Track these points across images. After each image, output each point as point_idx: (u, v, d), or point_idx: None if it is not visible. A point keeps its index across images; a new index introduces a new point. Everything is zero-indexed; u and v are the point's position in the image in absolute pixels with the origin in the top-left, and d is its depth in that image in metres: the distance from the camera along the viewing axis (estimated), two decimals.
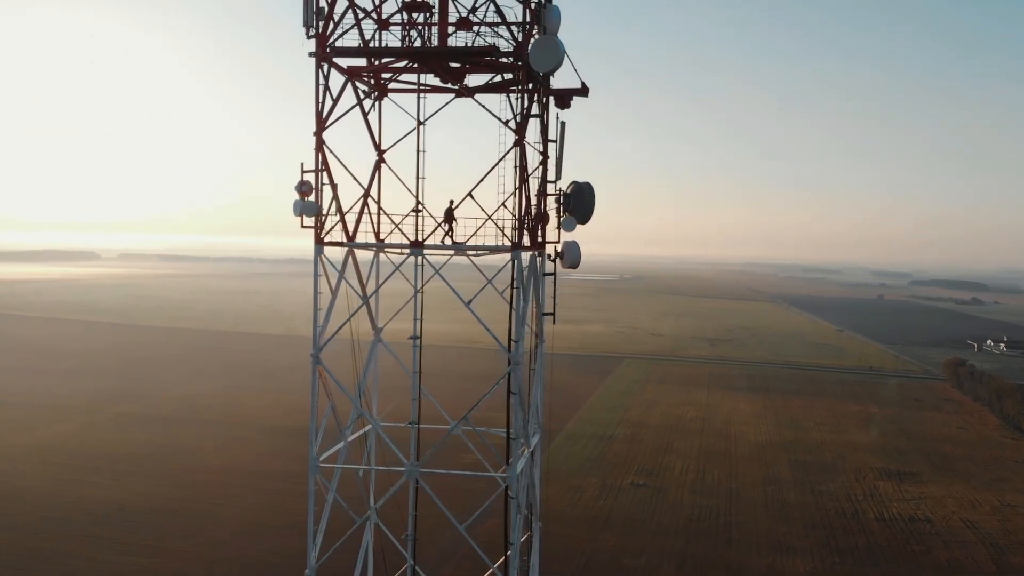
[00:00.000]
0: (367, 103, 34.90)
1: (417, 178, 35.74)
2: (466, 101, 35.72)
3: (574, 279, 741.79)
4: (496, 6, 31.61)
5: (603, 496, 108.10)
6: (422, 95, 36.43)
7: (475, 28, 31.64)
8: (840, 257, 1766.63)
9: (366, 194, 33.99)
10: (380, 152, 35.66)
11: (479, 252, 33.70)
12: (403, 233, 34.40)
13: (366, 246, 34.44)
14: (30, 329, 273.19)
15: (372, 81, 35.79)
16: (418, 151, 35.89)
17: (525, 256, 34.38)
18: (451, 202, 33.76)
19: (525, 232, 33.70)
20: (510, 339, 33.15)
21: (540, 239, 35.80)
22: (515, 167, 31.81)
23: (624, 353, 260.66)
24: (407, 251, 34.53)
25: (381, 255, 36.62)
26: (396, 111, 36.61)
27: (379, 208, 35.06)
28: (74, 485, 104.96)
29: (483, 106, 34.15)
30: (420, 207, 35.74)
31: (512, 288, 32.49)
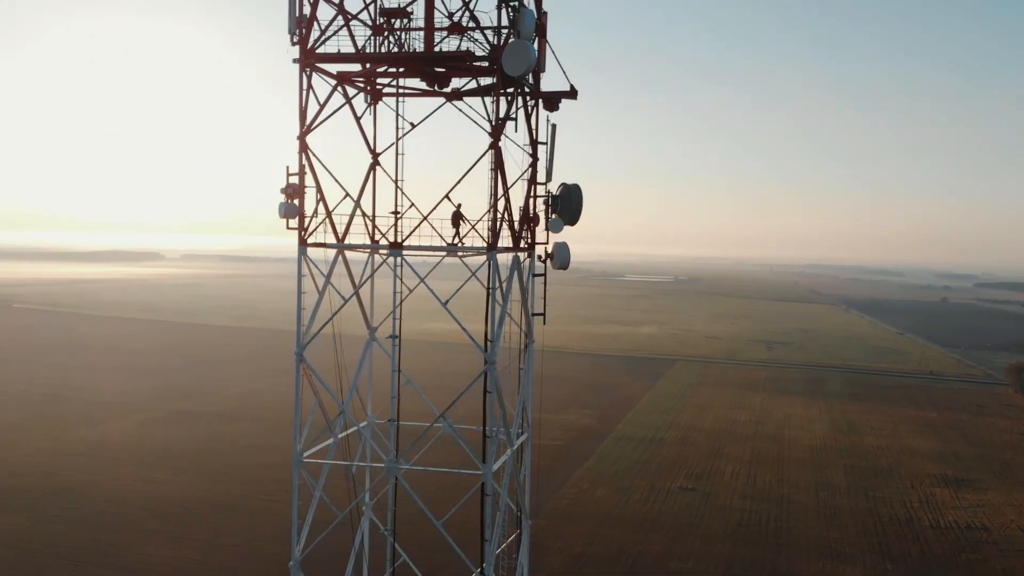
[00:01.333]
0: (360, 107, 35.79)
1: (396, 180, 36.03)
2: (460, 105, 36.14)
3: (628, 281, 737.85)
4: (471, 12, 32.09)
5: (651, 499, 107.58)
6: (414, 99, 36.99)
7: (462, 33, 32.14)
8: (903, 259, 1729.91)
9: (358, 198, 34.67)
10: (375, 155, 36.25)
11: (455, 254, 34.22)
12: (383, 234, 34.92)
13: (346, 247, 34.91)
14: (95, 327, 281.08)
15: (366, 86, 36.38)
16: (397, 154, 36.27)
17: (507, 257, 34.79)
18: (459, 205, 34.19)
19: (520, 234, 34.27)
20: (486, 339, 33.36)
21: (529, 240, 36.29)
22: (491, 169, 32.12)
23: (677, 355, 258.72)
24: (386, 252, 35.18)
25: (375, 256, 37.16)
26: (386, 115, 37.27)
27: (361, 210, 35.44)
28: (132, 480, 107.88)
29: (461, 111, 34.92)
30: (399, 210, 36.09)
31: (488, 289, 32.83)
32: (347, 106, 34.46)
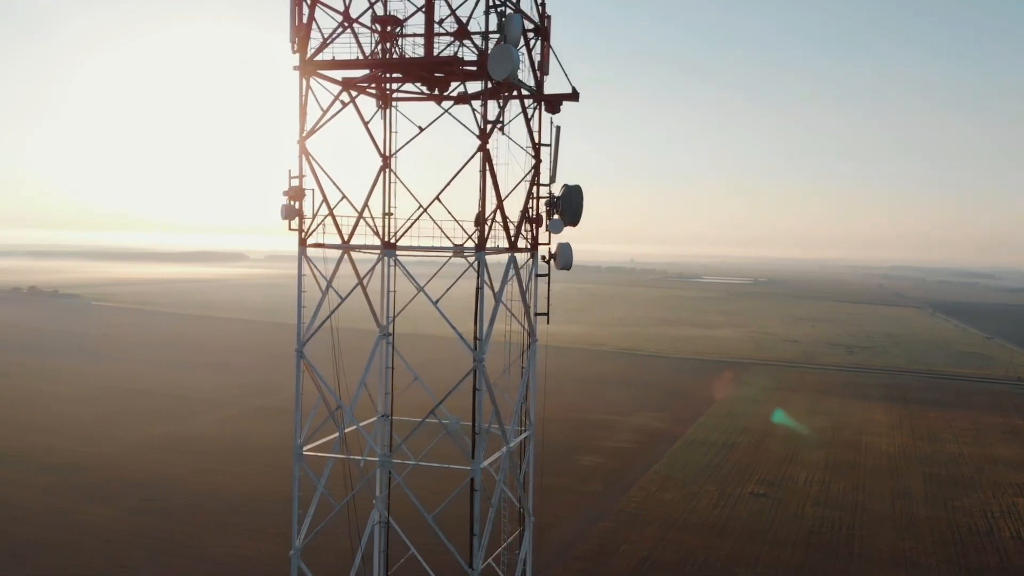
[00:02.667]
0: (369, 112, 36.74)
1: (387, 183, 36.90)
2: (455, 110, 36.89)
3: (705, 282, 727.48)
4: (456, 18, 33.04)
5: (720, 504, 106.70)
6: (421, 103, 37.88)
7: (463, 39, 32.85)
8: (994, 261, 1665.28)
9: (367, 199, 35.61)
10: (385, 158, 37.23)
11: (443, 254, 35.02)
12: (377, 234, 35.71)
13: (342, 247, 35.99)
14: (183, 325, 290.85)
15: (376, 91, 37.32)
16: (388, 155, 37.19)
17: (522, 258, 35.84)
18: (483, 208, 34.91)
19: (518, 234, 35.03)
20: (475, 337, 34.06)
21: (531, 241, 37.20)
22: (480, 172, 32.88)
23: (754, 359, 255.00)
24: (378, 252, 36.44)
25: (383, 256, 37.94)
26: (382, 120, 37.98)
27: (357, 210, 36.14)
28: (213, 474, 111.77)
29: (453, 116, 35.60)
30: (391, 210, 36.83)
31: (477, 288, 33.50)
32: (347, 110, 35.51)
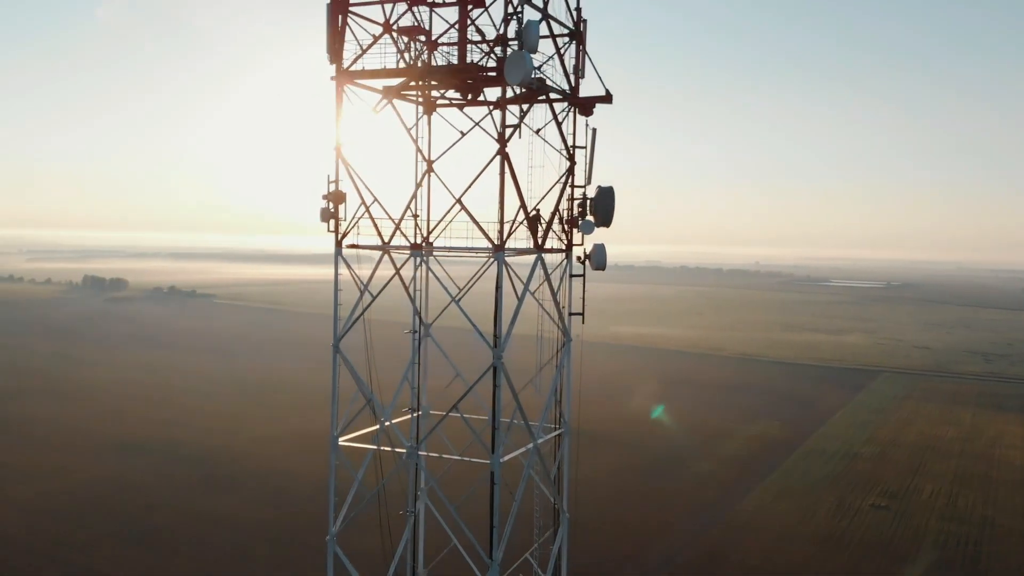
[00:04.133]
0: (411, 119, 38.24)
1: (416, 186, 37.54)
2: (471, 111, 37.82)
3: (833, 286, 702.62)
4: (476, 28, 33.99)
5: (838, 515, 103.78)
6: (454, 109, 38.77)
7: (503, 46, 33.44)
8: None
9: (409, 201, 36.81)
10: (429, 163, 38.10)
11: (465, 254, 35.81)
12: (404, 235, 36.43)
13: (373, 248, 36.95)
14: (311, 325, 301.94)
15: (421, 97, 38.44)
16: (416, 161, 38.04)
17: (556, 257, 36.10)
18: (537, 210, 35.64)
19: (545, 235, 35.85)
20: (495, 336, 34.67)
21: (567, 242, 37.69)
22: (500, 175, 33.40)
23: (882, 366, 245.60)
24: (408, 252, 37.22)
25: (430, 258, 38.78)
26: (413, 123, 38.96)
27: (387, 214, 37.02)
28: (337, 468, 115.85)
29: (471, 118, 36.58)
30: (419, 212, 37.47)
31: (497, 288, 34.13)
32: (380, 117, 36.72)
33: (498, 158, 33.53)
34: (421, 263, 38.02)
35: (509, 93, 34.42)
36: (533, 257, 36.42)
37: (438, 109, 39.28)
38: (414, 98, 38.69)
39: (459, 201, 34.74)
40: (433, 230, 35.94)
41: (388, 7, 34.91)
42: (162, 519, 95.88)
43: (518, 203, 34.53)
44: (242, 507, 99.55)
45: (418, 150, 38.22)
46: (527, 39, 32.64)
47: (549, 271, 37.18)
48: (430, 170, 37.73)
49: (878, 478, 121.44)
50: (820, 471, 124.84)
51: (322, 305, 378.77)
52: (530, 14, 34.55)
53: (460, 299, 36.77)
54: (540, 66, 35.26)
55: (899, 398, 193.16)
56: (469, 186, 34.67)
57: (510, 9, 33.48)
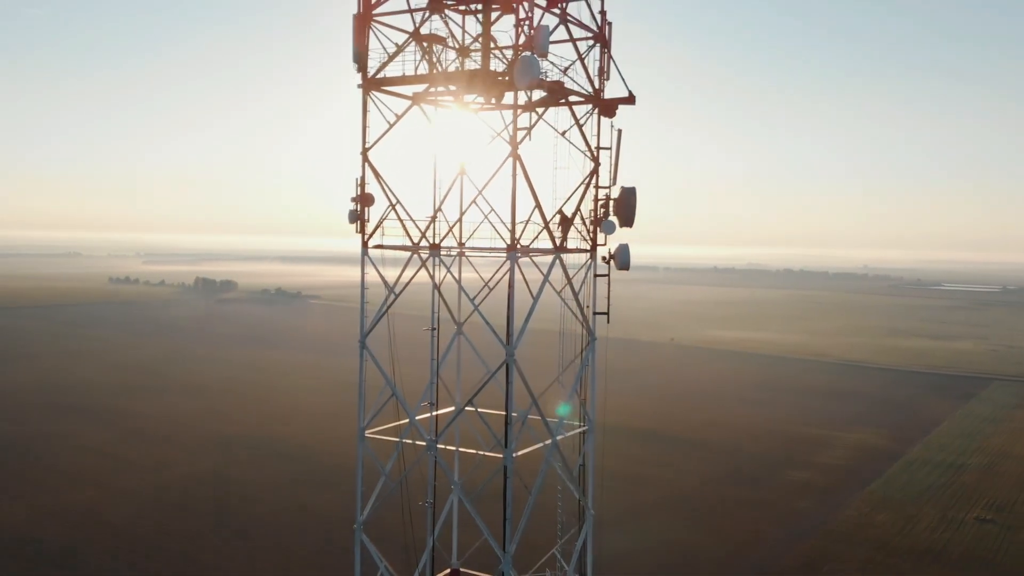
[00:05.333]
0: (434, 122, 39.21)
1: (435, 186, 38.10)
2: (485, 116, 38.58)
3: (945, 290, 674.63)
4: (490, 35, 34.46)
5: (940, 528, 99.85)
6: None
7: (536, 51, 33.63)
8: None
9: (440, 204, 37.38)
10: (463, 166, 38.45)
11: (481, 253, 36.74)
12: (425, 236, 37.02)
13: (394, 247, 37.86)
14: (406, 326, 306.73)
15: (455, 102, 38.94)
16: (435, 164, 38.68)
17: (579, 258, 36.70)
18: (562, 212, 36.37)
19: (564, 236, 36.41)
20: (508, 334, 34.93)
21: (592, 242, 37.85)
22: (512, 177, 33.82)
23: (994, 374, 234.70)
24: (427, 252, 37.83)
25: (463, 258, 39.72)
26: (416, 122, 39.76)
27: (404, 215, 37.79)
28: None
29: (485, 122, 37.26)
30: (434, 214, 37.75)
31: (510, 287, 34.52)
32: (403, 122, 37.61)
33: (511, 160, 34.11)
34: (440, 263, 38.77)
35: (524, 97, 35.16)
36: (578, 257, 37.43)
37: (469, 112, 40.19)
38: (446, 103, 39.46)
39: (475, 202, 35.69)
40: (449, 231, 36.93)
41: (411, 16, 35.84)
42: (261, 512, 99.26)
43: (536, 205, 35.22)
44: (338, 503, 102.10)
45: (447, 154, 39.27)
46: (538, 44, 33.20)
47: (576, 271, 37.83)
48: (462, 172, 38.49)
49: (985, 490, 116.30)
50: (923, 482, 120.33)
51: (420, 307, 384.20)
52: (554, 20, 35.34)
53: (483, 299, 37.94)
54: (566, 69, 35.75)
55: (1011, 407, 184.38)
56: (483, 188, 35.52)
57: (522, 14, 34.08)
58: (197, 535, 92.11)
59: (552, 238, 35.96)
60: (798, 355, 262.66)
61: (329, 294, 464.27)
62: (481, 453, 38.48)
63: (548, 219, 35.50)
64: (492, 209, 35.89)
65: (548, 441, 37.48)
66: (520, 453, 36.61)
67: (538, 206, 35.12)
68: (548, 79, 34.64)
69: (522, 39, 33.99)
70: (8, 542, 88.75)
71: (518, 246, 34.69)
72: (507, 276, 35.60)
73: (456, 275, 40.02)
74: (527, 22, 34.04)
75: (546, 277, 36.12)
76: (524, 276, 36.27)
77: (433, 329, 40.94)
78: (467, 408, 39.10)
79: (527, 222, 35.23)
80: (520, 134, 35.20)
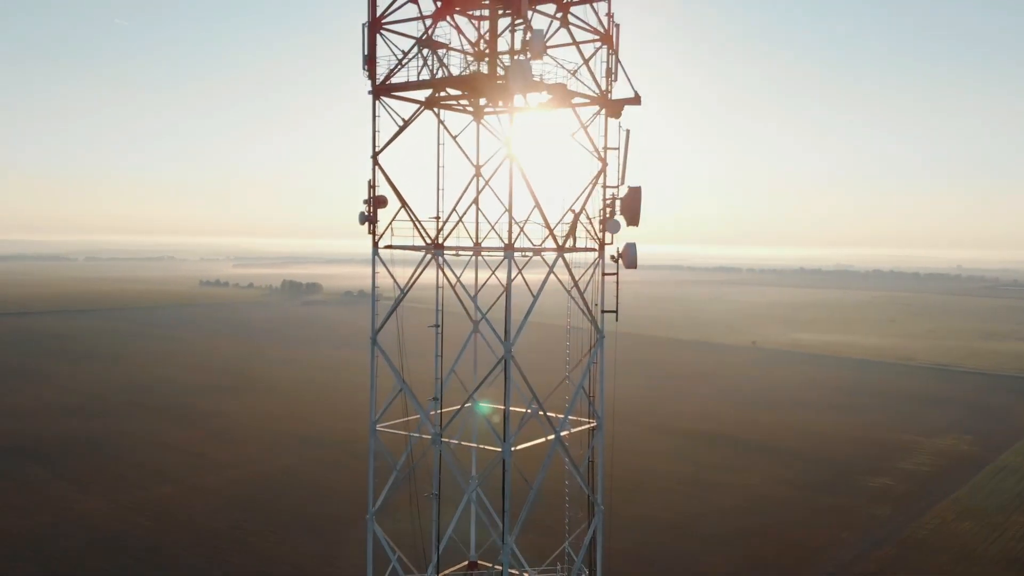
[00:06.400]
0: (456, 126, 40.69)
1: (438, 189, 39.08)
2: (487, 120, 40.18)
3: None
4: (487, 41, 35.81)
5: None
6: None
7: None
8: None
9: (455, 204, 38.23)
10: (477, 167, 39.29)
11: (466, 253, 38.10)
12: (429, 236, 38.09)
13: (402, 247, 39.09)
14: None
15: (471, 106, 39.83)
16: (438, 166, 39.48)
17: (585, 256, 37.77)
18: (511, 211, 36.42)
19: (568, 236, 37.36)
20: (507, 331, 35.70)
21: (600, 241, 38.63)
22: (509, 179, 34.73)
23: None
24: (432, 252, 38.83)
25: (478, 257, 41.00)
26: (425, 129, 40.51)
27: (412, 215, 38.66)
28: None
29: (486, 126, 39.08)
30: (439, 214, 39.00)
31: (507, 286, 35.47)
32: (412, 127, 38.36)
33: (507, 162, 34.85)
34: (444, 262, 39.41)
35: (533, 99, 36.01)
36: (592, 256, 38.49)
37: (478, 116, 41.09)
38: (458, 107, 40.54)
39: (475, 202, 37.05)
40: (451, 231, 37.84)
41: (419, 23, 36.80)
42: (335, 510, 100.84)
43: (536, 205, 36.01)
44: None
45: (466, 156, 40.39)
46: (533, 48, 33.88)
47: (585, 270, 38.72)
48: (478, 174, 39.00)
49: None
50: (1012, 490, 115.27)
51: (499, 308, 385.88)
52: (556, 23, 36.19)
53: (496, 298, 39.10)
54: (575, 71, 36.60)
55: None
56: (481, 189, 36.88)
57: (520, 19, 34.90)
58: (273, 532, 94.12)
59: (554, 238, 36.55)
60: (886, 359, 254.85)
61: (412, 295, 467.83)
62: (482, 447, 39.24)
63: (548, 219, 36.19)
64: (506, 209, 36.27)
65: (551, 436, 37.95)
66: (519, 448, 37.19)
67: (538, 206, 35.81)
68: (549, 82, 35.42)
69: (519, 43, 34.80)
70: (94, 535, 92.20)
71: (515, 246, 35.60)
72: (516, 275, 36.78)
73: (473, 275, 41.00)
74: (523, 26, 34.80)
75: (547, 275, 36.86)
76: (525, 277, 37.59)
77: (437, 326, 41.55)
78: (473, 404, 40.25)
79: (525, 222, 36.19)
80: (523, 135, 36.17)
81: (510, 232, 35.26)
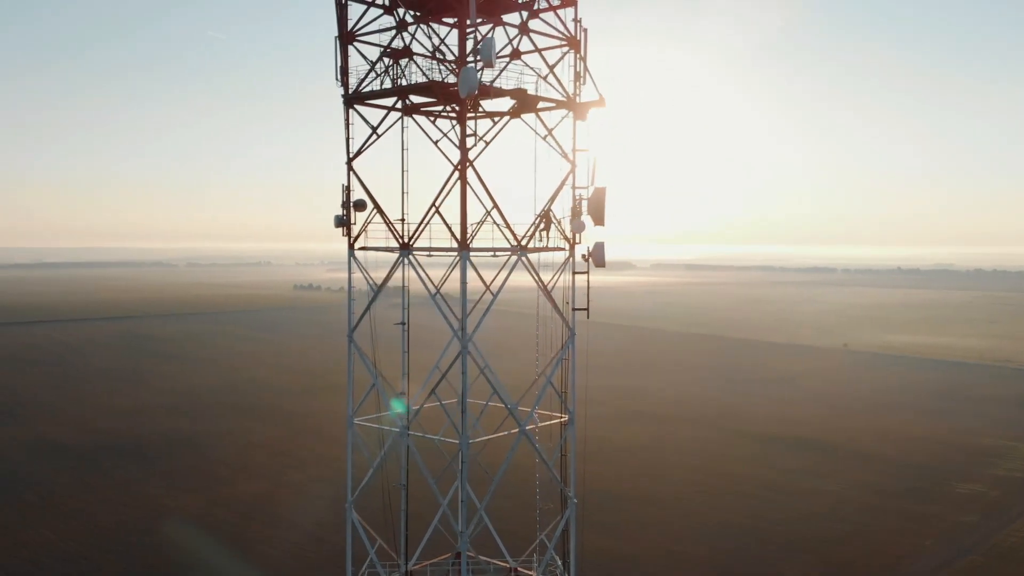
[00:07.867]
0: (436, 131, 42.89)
1: (403, 193, 40.96)
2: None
3: None
4: (439, 47, 38.44)
5: None
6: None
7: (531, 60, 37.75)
8: None
9: (438, 205, 39.51)
10: (463, 169, 39.96)
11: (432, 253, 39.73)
12: (398, 237, 39.86)
13: (375, 249, 40.75)
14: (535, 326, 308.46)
15: (456, 112, 41.15)
16: (403, 170, 41.25)
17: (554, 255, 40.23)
18: (548, 210, 39.16)
19: (529, 235, 39.48)
20: (463, 328, 38.32)
21: (570, 240, 40.51)
22: (460, 180, 37.08)
23: None
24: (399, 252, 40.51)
25: (469, 259, 41.17)
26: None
27: (384, 217, 40.34)
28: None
29: (420, 127, 41.61)
30: (405, 215, 40.67)
31: (462, 283, 37.92)
32: (388, 131, 40.65)
33: (462, 164, 37.10)
34: (409, 263, 40.88)
35: (502, 105, 38.66)
36: (560, 255, 40.93)
37: (447, 120, 42.90)
38: (434, 112, 42.52)
39: (434, 205, 38.63)
40: (418, 232, 39.78)
41: (387, 34, 38.89)
42: (414, 507, 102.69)
43: (494, 206, 38.41)
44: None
45: (447, 158, 41.75)
46: (484, 53, 35.32)
47: (556, 269, 41.10)
48: (463, 177, 40.28)
49: None
50: None
51: (545, 307, 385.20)
52: (538, 26, 38.59)
53: (480, 297, 41.68)
54: (545, 76, 38.42)
55: None
56: (441, 191, 38.44)
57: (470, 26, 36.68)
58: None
59: (515, 237, 38.97)
60: (984, 361, 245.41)
61: (488, 297, 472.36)
62: (440, 439, 41.01)
63: (508, 219, 38.67)
64: (492, 208, 38.76)
65: (514, 430, 39.59)
66: (477, 440, 39.85)
67: (495, 207, 38.24)
68: (510, 87, 37.36)
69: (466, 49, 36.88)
70: (180, 530, 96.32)
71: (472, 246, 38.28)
72: (504, 275, 40.23)
73: (458, 275, 42.62)
74: (474, 34, 36.67)
75: (507, 276, 40.09)
76: (507, 277, 40.71)
77: (403, 324, 44.29)
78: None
79: (481, 223, 38.50)
80: (504, 137, 39.97)
81: (464, 232, 37.52)
